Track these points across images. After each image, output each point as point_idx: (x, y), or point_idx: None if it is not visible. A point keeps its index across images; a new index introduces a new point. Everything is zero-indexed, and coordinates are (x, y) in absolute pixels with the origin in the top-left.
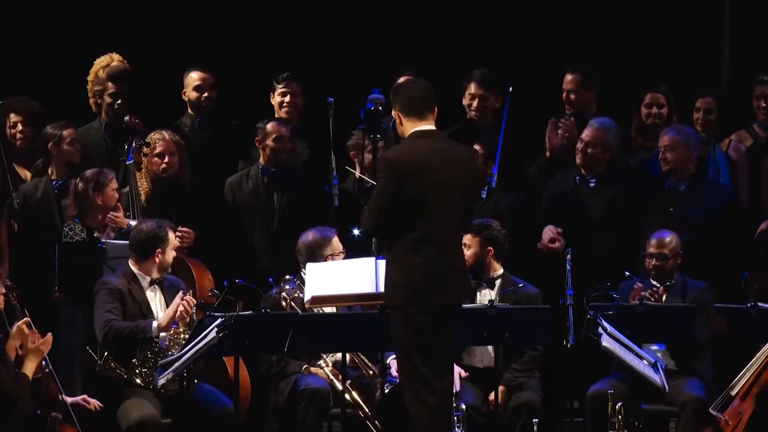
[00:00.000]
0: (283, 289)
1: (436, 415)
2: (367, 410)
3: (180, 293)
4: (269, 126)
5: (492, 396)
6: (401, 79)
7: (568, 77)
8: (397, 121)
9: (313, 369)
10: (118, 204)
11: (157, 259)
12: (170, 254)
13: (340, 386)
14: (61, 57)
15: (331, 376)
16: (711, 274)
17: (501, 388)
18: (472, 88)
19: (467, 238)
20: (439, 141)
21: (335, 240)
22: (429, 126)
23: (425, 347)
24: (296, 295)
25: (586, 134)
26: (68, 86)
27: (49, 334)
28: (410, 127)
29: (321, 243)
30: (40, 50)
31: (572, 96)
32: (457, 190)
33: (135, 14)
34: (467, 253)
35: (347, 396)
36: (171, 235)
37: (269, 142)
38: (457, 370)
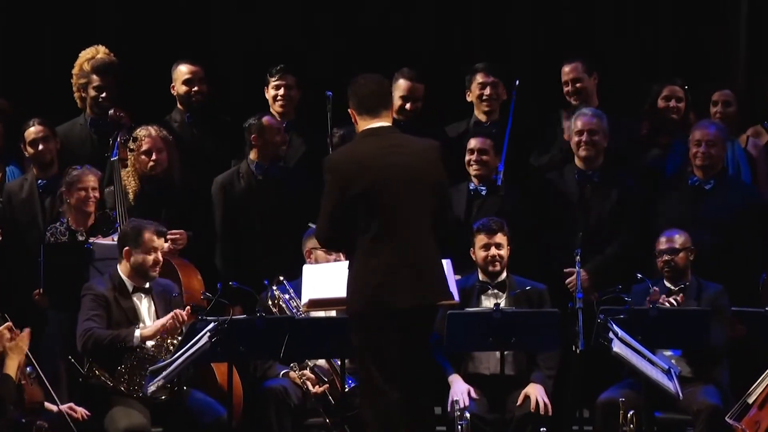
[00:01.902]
0: (274, 293)
1: (389, 424)
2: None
3: (175, 311)
4: (259, 122)
5: (537, 404)
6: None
7: (567, 68)
8: (353, 119)
9: (291, 374)
10: (91, 211)
11: (130, 260)
12: (142, 257)
13: (313, 389)
14: (50, 50)
15: (307, 381)
16: (729, 276)
17: (534, 389)
18: (480, 77)
19: (501, 238)
20: (390, 138)
21: None
22: (382, 123)
23: (380, 354)
24: (286, 296)
25: (584, 123)
26: (53, 80)
27: (27, 329)
28: (363, 125)
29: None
30: (28, 43)
31: (578, 84)
32: (417, 185)
33: (130, 5)
34: (501, 252)
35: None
36: (148, 235)
37: (259, 138)
38: (466, 388)
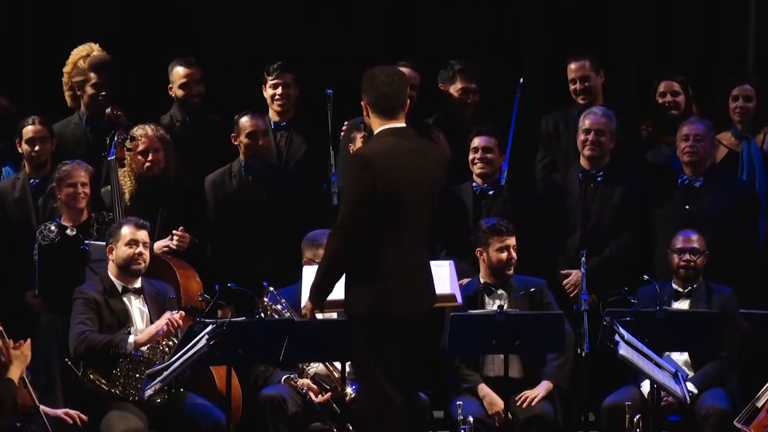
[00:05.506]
0: (264, 302)
1: (396, 430)
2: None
3: (168, 313)
4: (242, 120)
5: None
6: (375, 68)
7: (574, 65)
8: (365, 111)
9: (292, 383)
10: (82, 208)
11: (114, 257)
12: (123, 250)
13: (317, 399)
14: (40, 49)
15: (309, 392)
16: (725, 275)
17: (535, 390)
18: (460, 82)
19: (514, 239)
20: (410, 139)
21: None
22: (399, 124)
23: (385, 358)
24: (278, 306)
25: (591, 123)
26: (42, 79)
27: (29, 340)
28: (378, 123)
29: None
30: (16, 41)
31: (586, 83)
32: (430, 192)
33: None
34: (515, 254)
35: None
36: (125, 228)
37: (242, 137)
38: (501, 405)
